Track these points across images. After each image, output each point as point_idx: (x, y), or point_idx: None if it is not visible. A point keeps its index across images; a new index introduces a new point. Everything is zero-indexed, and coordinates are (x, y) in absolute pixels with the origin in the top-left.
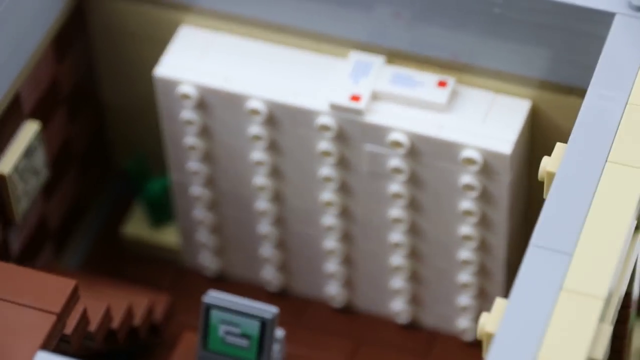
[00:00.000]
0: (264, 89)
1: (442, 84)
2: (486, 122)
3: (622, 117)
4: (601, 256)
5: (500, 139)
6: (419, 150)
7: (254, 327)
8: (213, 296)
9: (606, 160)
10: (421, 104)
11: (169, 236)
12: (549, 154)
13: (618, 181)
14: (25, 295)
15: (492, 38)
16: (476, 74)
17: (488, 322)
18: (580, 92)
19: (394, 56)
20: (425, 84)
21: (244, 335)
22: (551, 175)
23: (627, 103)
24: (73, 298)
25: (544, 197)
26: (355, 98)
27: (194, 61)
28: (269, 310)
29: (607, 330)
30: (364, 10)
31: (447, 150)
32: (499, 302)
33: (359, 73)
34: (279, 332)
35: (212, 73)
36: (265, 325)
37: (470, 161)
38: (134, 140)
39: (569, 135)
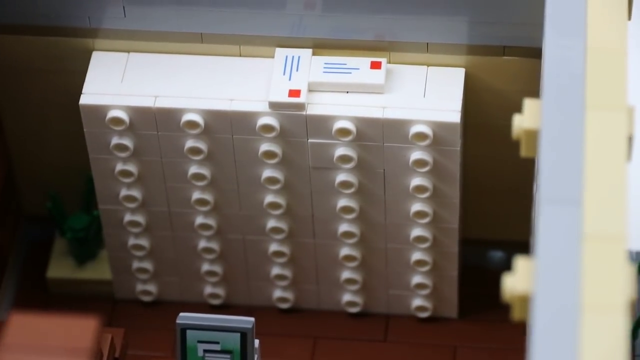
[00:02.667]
0: (197, 100)
1: (375, 65)
2: (427, 96)
3: (586, 63)
4: (610, 199)
5: (446, 109)
6: (366, 134)
7: (234, 341)
8: (186, 316)
9: (585, 108)
10: (359, 88)
11: (97, 270)
12: (484, 119)
13: (602, 126)
14: (52, 342)
15: (413, 13)
16: (405, 51)
17: (516, 283)
18: (513, 51)
19: (319, 46)
20: (359, 68)
21: (224, 351)
22: (530, 133)
23: (586, 48)
24: (98, 334)
25: (522, 155)
26: (294, 93)
27: (117, 85)
28: (246, 320)
29: (632, 269)
30: (278, 7)
31: (395, 129)
32: (521, 263)
33: (291, 68)
34: (255, 342)
35: (139, 93)
36: (245, 337)
37: (420, 136)
38: (46, 181)
39: (503, 97)
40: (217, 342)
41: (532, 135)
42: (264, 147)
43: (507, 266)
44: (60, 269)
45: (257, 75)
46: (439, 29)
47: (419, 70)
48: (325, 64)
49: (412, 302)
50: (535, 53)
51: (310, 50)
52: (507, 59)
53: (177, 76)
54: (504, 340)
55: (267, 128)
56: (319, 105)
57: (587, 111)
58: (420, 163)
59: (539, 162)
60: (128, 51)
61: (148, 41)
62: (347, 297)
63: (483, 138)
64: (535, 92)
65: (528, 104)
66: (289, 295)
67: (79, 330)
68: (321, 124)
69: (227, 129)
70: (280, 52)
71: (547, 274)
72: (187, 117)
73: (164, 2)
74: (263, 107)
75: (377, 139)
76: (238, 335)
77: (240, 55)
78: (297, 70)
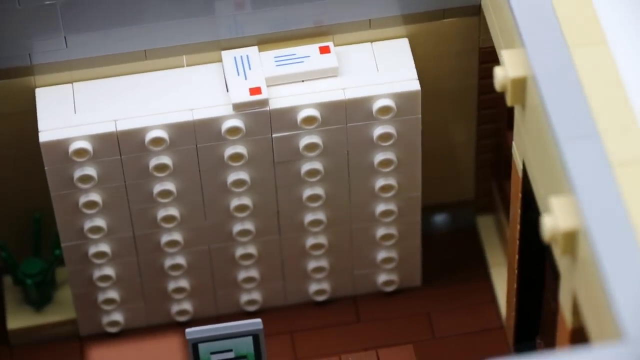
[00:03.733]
0: (158, 116)
1: (324, 50)
2: (381, 71)
3: (553, 5)
4: (623, 125)
5: (404, 79)
6: (329, 119)
7: (247, 345)
8: (195, 331)
9: (568, 47)
10: (315, 74)
11: (58, 312)
12: (431, 84)
13: (591, 60)
14: None
15: None
16: (347, 31)
17: (559, 222)
18: (452, 12)
19: (263, 42)
20: (309, 55)
21: (239, 357)
22: (516, 81)
23: None
24: None
25: (509, 104)
26: (255, 91)
27: (72, 117)
28: (254, 322)
29: None
30: (208, 13)
31: (358, 108)
32: (556, 201)
33: (243, 68)
34: None
35: (97, 120)
36: (258, 339)
37: (384, 110)
38: None
39: (446, 60)
40: (230, 350)
41: (519, 84)
42: (230, 150)
43: (452, 228)
44: (19, 318)
45: (210, 82)
46: (379, 3)
47: (365, 48)
48: (275, 57)
49: (378, 278)
50: (473, 11)
51: (255, 48)
52: (447, 21)
53: (130, 97)
54: (473, 296)
55: (234, 130)
56: (279, 99)
57: (572, 50)
58: (384, 137)
59: (543, 105)
60: (71, 82)
61: (92, 67)
62: (314, 287)
63: (428, 103)
64: (475, 50)
65: (506, 54)
66: (256, 296)
67: None
68: (285, 116)
69: (190, 140)
70: (227, 55)
71: (593, 206)
72: (152, 134)
73: (103, 24)
74: (226, 110)
75: (341, 121)
76: (250, 338)
77: (186, 66)
78: (250, 68)
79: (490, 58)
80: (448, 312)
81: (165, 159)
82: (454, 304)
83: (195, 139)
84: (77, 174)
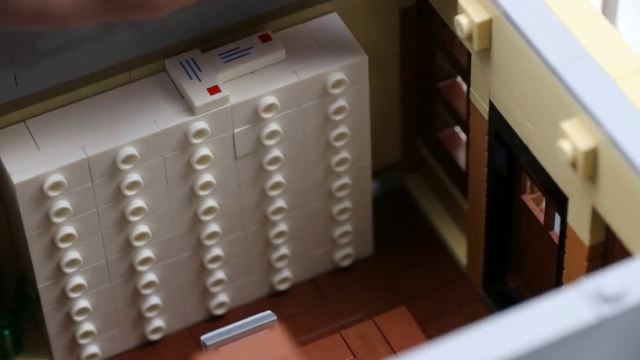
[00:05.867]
0: (124, 135)
1: (265, 38)
2: (323, 47)
3: None
4: (607, 41)
5: (349, 51)
6: (286, 104)
7: None
8: (211, 336)
9: None
10: (264, 63)
11: (33, 357)
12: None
13: None
14: None
15: None
16: (277, 17)
17: (578, 143)
18: None
19: (204, 43)
20: (253, 46)
21: None
22: (482, 25)
23: None
24: None
25: (480, 47)
26: (214, 90)
27: (37, 153)
28: (266, 315)
29: None
30: (136, 23)
31: (312, 87)
32: (569, 125)
33: (194, 71)
34: None
35: (65, 151)
36: None
37: (338, 83)
38: None
39: (370, 25)
40: None
41: (485, 27)
42: (197, 154)
43: (383, 192)
44: None
45: (163, 91)
46: None
47: (300, 29)
48: (220, 55)
49: (335, 255)
50: None
51: (197, 50)
52: None
53: (88, 121)
54: (425, 254)
55: (200, 133)
56: (237, 94)
57: None
58: (339, 111)
59: (525, 38)
60: (22, 120)
61: (42, 101)
62: (277, 277)
63: None
64: (396, 12)
65: (464, 2)
66: (224, 298)
67: None
68: (246, 109)
69: (158, 152)
70: (172, 62)
71: (612, 119)
72: (123, 153)
73: (50, 53)
74: (188, 115)
75: (297, 103)
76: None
77: (132, 81)
78: (200, 70)
79: (409, 17)
80: (407, 274)
81: (135, 176)
82: (409, 265)
83: (162, 150)
84: (53, 208)
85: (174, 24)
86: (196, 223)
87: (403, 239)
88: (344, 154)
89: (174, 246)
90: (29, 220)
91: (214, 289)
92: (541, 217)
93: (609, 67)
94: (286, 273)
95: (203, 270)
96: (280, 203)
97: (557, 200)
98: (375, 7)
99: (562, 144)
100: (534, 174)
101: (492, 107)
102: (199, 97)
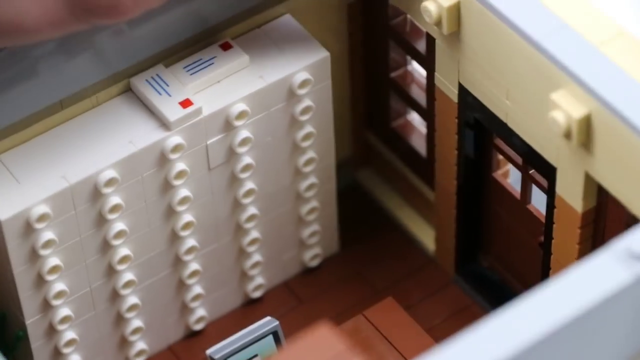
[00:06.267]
0: (103, 158)
1: (226, 46)
2: (284, 49)
3: None
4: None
5: (310, 50)
6: (255, 109)
7: (269, 345)
8: (217, 349)
9: None
10: (229, 71)
11: None
12: None
13: None
14: None
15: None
16: (232, 24)
17: (571, 112)
18: None
19: (165, 58)
20: (215, 56)
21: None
22: (451, 8)
23: None
24: None
25: (450, 30)
26: (186, 103)
27: (18, 187)
28: (268, 321)
29: None
30: (96, 46)
31: (279, 90)
32: (558, 95)
33: (161, 87)
34: None
35: (46, 181)
36: (277, 335)
37: (304, 83)
38: None
39: (320, 24)
40: (256, 355)
41: (454, 10)
42: (174, 170)
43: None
44: None
45: (132, 110)
46: None
47: (257, 33)
48: (185, 67)
49: (304, 256)
50: None
51: (161, 65)
52: None
53: (63, 149)
54: (390, 245)
55: (177, 148)
56: (208, 105)
57: None
58: (305, 110)
59: (500, 15)
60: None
61: (13, 134)
62: (251, 285)
63: None
64: (344, 8)
65: None
66: (202, 313)
67: None
68: (218, 118)
69: (137, 172)
70: (137, 81)
71: (603, 85)
72: (105, 176)
73: (14, 84)
74: (163, 131)
75: (265, 108)
76: (271, 337)
77: (100, 104)
78: (167, 85)
79: (356, 12)
80: (376, 267)
81: (116, 199)
82: (377, 257)
83: (140, 170)
84: (40, 241)
85: (134, 43)
86: (174, 239)
87: (365, 233)
88: (311, 154)
89: (154, 265)
90: (17, 256)
91: (193, 304)
92: (516, 192)
93: (589, 36)
94: (259, 280)
95: (182, 287)
96: (253, 210)
97: (544, 172)
98: (324, 4)
99: (554, 116)
100: (514, 151)
101: (463, 90)
102: (172, 111)
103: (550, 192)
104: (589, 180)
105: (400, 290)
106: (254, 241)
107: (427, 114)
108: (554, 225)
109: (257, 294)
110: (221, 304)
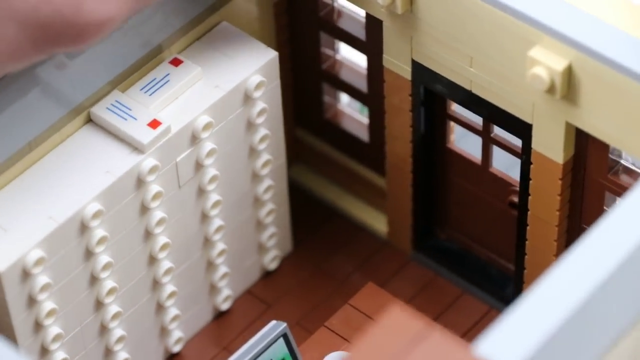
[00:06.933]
0: (84, 193)
1: (176, 62)
2: (232, 56)
3: None
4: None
5: (258, 52)
6: (216, 119)
7: (281, 348)
8: None
9: None
10: (186, 86)
11: None
12: None
13: None
14: None
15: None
16: (174, 40)
17: (555, 65)
18: None
19: (117, 84)
20: (169, 73)
21: None
22: None
23: None
24: None
25: (404, 9)
26: (154, 124)
27: (6, 236)
28: (277, 324)
29: None
30: (52, 84)
31: (236, 96)
32: (537, 51)
33: (123, 112)
34: None
35: (34, 224)
36: (287, 337)
37: (259, 85)
38: None
39: (250, 25)
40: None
41: None
42: (151, 191)
43: None
44: None
45: (99, 140)
46: (187, 6)
47: (200, 44)
48: (142, 89)
49: (264, 259)
50: None
51: (116, 91)
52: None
53: (43, 189)
54: (340, 235)
55: (152, 170)
56: (174, 122)
57: None
58: (261, 112)
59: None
60: None
61: None
62: (220, 297)
63: None
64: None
65: None
66: (180, 334)
67: None
68: (185, 134)
69: (117, 201)
70: (97, 110)
71: (580, 35)
72: (90, 210)
73: None
74: (138, 155)
75: (225, 116)
76: (281, 340)
77: (66, 139)
78: (130, 109)
79: (281, 9)
80: (332, 259)
81: (102, 232)
82: (330, 249)
83: (121, 197)
84: (37, 286)
85: (87, 73)
86: (152, 263)
87: (313, 228)
88: (266, 156)
89: (136, 293)
90: (15, 306)
91: (171, 326)
92: (476, 159)
93: None
94: (227, 291)
95: (160, 310)
96: (219, 222)
97: (517, 132)
98: (252, 6)
99: (536, 72)
100: (482, 117)
101: (417, 66)
102: (143, 134)
103: (525, 149)
104: (569, 129)
105: (362, 276)
106: (221, 253)
107: (369, 99)
108: (531, 182)
109: (226, 306)
110: (195, 322)
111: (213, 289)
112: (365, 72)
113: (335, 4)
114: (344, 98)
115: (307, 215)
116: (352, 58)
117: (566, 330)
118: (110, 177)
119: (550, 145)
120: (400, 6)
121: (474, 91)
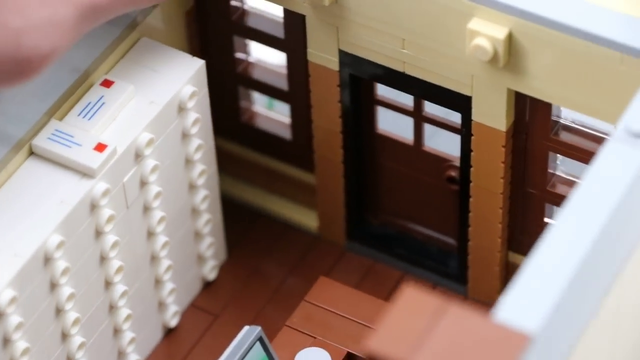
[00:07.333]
0: (45, 225)
1: (107, 84)
2: (159, 70)
3: None
4: None
5: (185, 63)
6: (156, 134)
7: (259, 352)
8: None
9: None
10: (122, 105)
11: None
12: None
13: None
14: None
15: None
16: (99, 63)
17: (496, 34)
18: None
19: (52, 113)
20: (102, 95)
21: None
22: None
23: None
24: None
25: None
26: (100, 147)
27: None
28: (251, 329)
29: None
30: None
31: (170, 110)
32: (476, 22)
33: (66, 140)
34: None
35: (1, 265)
36: (263, 340)
37: (192, 95)
38: None
39: (172, 37)
40: None
41: None
42: (104, 216)
43: None
44: None
45: (46, 171)
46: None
47: (126, 64)
48: (79, 114)
49: (203, 270)
50: None
51: (54, 120)
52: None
53: (1, 229)
54: (270, 235)
55: (105, 193)
56: (117, 143)
57: None
58: (194, 123)
59: None
60: None
61: None
62: (168, 314)
63: None
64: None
65: None
66: (136, 357)
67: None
68: (130, 153)
69: (75, 229)
70: (39, 142)
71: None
72: (53, 242)
73: None
74: (88, 181)
75: (162, 131)
76: (258, 344)
77: (10, 177)
78: (71, 136)
79: (191, 19)
80: (268, 261)
81: (64, 263)
82: (265, 252)
83: (78, 225)
84: (11, 326)
85: (22, 108)
86: (108, 287)
87: (243, 233)
88: (201, 166)
89: (95, 321)
90: None
91: (128, 349)
92: (407, 140)
93: None
94: (174, 307)
95: (118, 334)
96: (164, 238)
97: (455, 106)
98: (167, 19)
99: (478, 43)
100: (419, 96)
101: (345, 55)
102: (92, 159)
103: (465, 122)
104: (510, 96)
105: (303, 273)
106: (168, 268)
107: (290, 97)
108: (472, 154)
109: (174, 322)
110: (148, 343)
111: (161, 306)
112: (284, 70)
113: (246, 6)
114: (258, 99)
115: (236, 222)
116: (266, 59)
117: (577, 283)
118: (66, 206)
119: (492, 115)
120: None
121: (408, 72)
